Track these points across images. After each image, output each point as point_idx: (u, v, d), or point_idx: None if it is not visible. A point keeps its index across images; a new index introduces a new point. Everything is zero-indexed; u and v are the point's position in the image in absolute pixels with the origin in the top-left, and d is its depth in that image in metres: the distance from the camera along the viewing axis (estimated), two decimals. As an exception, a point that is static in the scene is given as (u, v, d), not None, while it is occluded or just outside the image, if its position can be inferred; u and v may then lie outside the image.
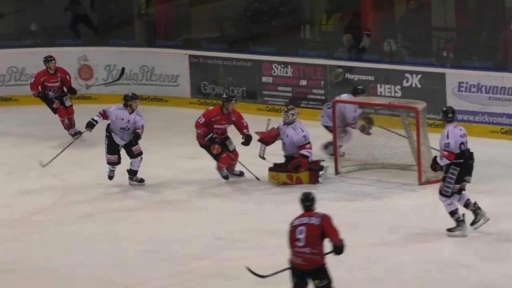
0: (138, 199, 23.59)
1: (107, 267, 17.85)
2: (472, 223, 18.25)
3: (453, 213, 18.67)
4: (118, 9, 37.33)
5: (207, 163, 24.70)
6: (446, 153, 17.60)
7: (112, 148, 22.11)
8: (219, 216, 21.58)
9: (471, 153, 18.80)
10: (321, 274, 11.91)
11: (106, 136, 22.44)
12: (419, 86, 28.05)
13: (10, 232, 21.33)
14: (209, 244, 19.21)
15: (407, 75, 28.19)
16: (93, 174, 25.69)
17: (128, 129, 22.06)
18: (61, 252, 18.94)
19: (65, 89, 26.17)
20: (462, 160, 18.13)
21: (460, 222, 18.51)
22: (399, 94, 27.95)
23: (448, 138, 17.90)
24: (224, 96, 26.90)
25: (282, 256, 13.50)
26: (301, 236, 11.40)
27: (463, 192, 19.10)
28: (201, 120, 23.33)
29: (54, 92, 26.34)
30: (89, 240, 20.25)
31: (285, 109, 24.51)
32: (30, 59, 33.89)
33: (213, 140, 23.26)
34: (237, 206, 22.58)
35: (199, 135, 23.31)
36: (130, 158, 22.68)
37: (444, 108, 20.02)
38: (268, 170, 24.00)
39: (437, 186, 20.51)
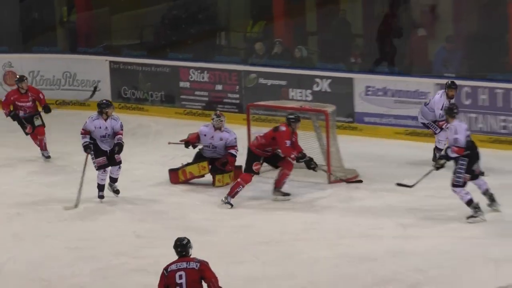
0: (64, 200, 22.31)
1: (33, 264, 17.55)
2: (490, 204, 19.01)
3: (469, 203, 18.99)
4: (41, 17, 35.92)
5: (134, 166, 24.32)
6: (456, 148, 18.27)
7: (98, 153, 21.28)
8: (141, 215, 21.17)
9: (473, 142, 19.31)
10: None
11: (84, 144, 21.66)
12: (329, 90, 27.66)
13: None
14: (131, 242, 18.94)
15: (317, 80, 27.87)
16: (21, 174, 25.15)
17: (108, 135, 21.51)
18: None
19: (39, 109, 25.02)
20: (468, 152, 18.60)
21: (477, 209, 18.84)
22: (310, 98, 27.43)
23: (457, 133, 18.52)
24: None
25: (202, 252, 13.32)
26: (182, 281, 11.02)
27: (480, 179, 19.58)
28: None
29: (25, 112, 24.88)
30: (15, 238, 19.84)
31: (216, 115, 24.07)
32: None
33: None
34: (158, 206, 22.14)
35: None
36: (111, 166, 21.80)
37: (449, 105, 20.97)
38: (212, 174, 23.55)
39: (345, 184, 23.20)
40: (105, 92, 31.47)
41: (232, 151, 23.54)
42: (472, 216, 19.29)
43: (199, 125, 25.68)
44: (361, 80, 27.97)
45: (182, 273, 10.94)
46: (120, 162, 21.64)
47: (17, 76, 25.85)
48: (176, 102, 31.03)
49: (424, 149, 26.22)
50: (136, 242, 19.37)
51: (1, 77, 33.55)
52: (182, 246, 10.99)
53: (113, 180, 21.91)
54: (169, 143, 25.31)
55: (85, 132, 21.36)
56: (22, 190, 23.85)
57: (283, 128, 21.90)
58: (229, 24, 34.34)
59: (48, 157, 25.04)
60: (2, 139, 28.08)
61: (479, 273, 16.59)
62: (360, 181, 23.43)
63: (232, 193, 21.76)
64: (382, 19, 30.14)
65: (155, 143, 27.99)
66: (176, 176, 24.10)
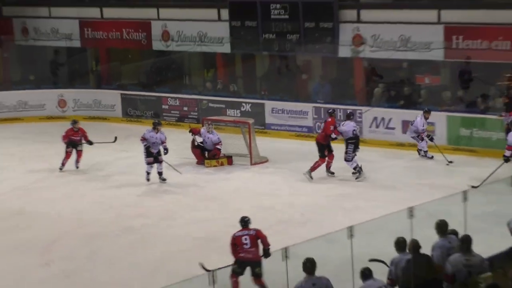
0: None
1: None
2: None
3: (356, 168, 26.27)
4: (80, 67, 41.09)
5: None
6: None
7: (148, 154, 26.45)
8: (183, 193, 26.32)
9: None
10: (259, 264, 15.99)
11: (145, 147, 26.74)
12: (250, 110, 33.75)
13: None
14: (175, 208, 24.62)
15: (243, 104, 34.15)
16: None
17: (157, 143, 26.68)
18: None
19: (83, 141, 28.47)
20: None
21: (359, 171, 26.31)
22: (239, 115, 33.52)
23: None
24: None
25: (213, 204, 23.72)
26: (247, 241, 15.74)
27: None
28: None
29: (75, 143, 28.32)
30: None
31: (208, 124, 30.02)
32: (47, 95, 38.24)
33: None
34: (186, 183, 27.46)
35: None
36: (156, 163, 26.81)
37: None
38: (204, 159, 29.57)
39: (260, 164, 29.55)
40: (118, 112, 37.94)
41: (218, 146, 29.31)
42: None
43: (175, 131, 32.75)
44: (269, 104, 33.86)
45: (246, 236, 15.94)
46: (162, 161, 26.81)
47: (72, 120, 29.44)
48: (160, 117, 34.53)
49: (305, 145, 30.97)
50: (177, 208, 24.35)
51: (57, 103, 38.24)
52: (245, 221, 16.17)
53: (160, 173, 26.85)
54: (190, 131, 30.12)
55: (143, 139, 26.52)
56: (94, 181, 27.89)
57: (329, 119, 27.26)
58: (191, 71, 39.59)
59: (78, 167, 28.55)
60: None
61: (336, 217, 21.78)
62: (267, 161, 29.63)
63: (313, 170, 26.69)
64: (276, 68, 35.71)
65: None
66: (200, 156, 29.80)
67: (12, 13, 40.20)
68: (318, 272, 13.55)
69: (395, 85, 32.41)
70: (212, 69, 37.45)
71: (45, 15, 39.52)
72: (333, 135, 26.76)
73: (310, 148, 29.04)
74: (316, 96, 33.92)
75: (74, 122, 28.93)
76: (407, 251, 14.17)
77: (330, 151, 26.89)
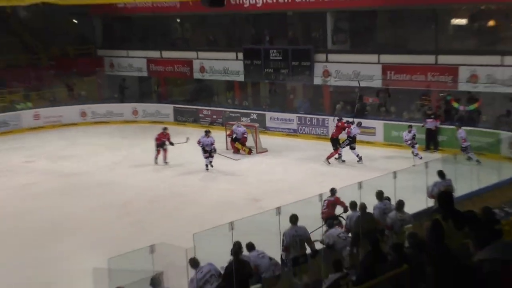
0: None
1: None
2: None
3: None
4: (146, 88, 39.36)
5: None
6: None
7: (204, 151, 24.87)
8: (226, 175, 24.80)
9: None
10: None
11: (201, 147, 25.12)
12: (256, 118, 31.77)
13: None
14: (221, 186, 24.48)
15: (252, 114, 32.40)
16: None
17: (208, 145, 25.07)
18: None
19: (167, 143, 26.11)
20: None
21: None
22: (249, 120, 31.34)
23: None
24: None
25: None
26: (324, 204, 15.64)
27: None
28: None
29: (164, 143, 26.07)
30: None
31: (237, 122, 29.19)
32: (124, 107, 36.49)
33: None
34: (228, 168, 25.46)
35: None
36: (210, 158, 24.98)
37: None
38: (235, 144, 27.68)
39: (263, 154, 27.70)
40: (171, 118, 35.42)
41: (245, 135, 27.76)
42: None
43: (213, 131, 27.43)
44: (268, 114, 31.77)
45: (326, 201, 15.38)
46: (213, 156, 25.18)
47: (164, 127, 27.23)
48: (198, 122, 34.07)
49: (292, 141, 30.01)
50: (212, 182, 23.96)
51: (131, 112, 36.17)
52: (332, 190, 15.61)
53: (210, 162, 24.96)
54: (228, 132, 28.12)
55: (199, 142, 25.04)
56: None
57: (339, 123, 25.69)
58: (218, 92, 37.11)
59: (167, 162, 25.99)
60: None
61: (312, 187, 19.99)
62: (267, 151, 27.89)
63: (330, 158, 25.24)
64: (273, 91, 34.51)
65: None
66: (235, 147, 27.87)
67: (103, 54, 38.89)
68: (299, 223, 13.63)
69: (350, 103, 30.66)
70: (232, 91, 36.16)
71: (124, 55, 38.10)
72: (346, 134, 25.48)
73: (295, 143, 29.28)
74: (299, 109, 32.46)
75: (165, 128, 26.98)
76: (357, 210, 14.28)
77: (338, 145, 25.41)
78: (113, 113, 35.92)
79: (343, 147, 25.45)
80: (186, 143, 25.69)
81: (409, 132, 24.75)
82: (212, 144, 25.48)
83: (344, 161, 25.45)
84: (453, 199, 8.03)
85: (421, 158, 23.49)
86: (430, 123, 26.04)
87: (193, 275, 11.68)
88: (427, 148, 25.78)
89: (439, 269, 4.64)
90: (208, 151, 25.31)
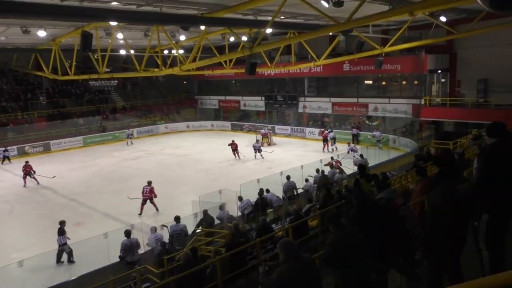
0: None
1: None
2: None
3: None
4: (217, 114, 36.00)
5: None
6: None
7: (255, 150, 21.79)
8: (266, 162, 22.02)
9: None
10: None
11: (254, 148, 22.05)
12: (270, 128, 28.96)
13: None
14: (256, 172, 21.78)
15: (268, 125, 29.46)
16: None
17: (257, 147, 22.26)
18: None
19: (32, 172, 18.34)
20: None
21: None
22: (267, 128, 27.60)
23: None
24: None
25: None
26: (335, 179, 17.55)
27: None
28: None
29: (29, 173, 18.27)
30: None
31: (265, 128, 27.53)
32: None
33: None
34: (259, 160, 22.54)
35: None
36: (259, 152, 21.92)
37: None
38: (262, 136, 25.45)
39: (273, 146, 25.07)
40: (229, 128, 33.19)
41: (267, 133, 25.93)
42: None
43: (248, 135, 28.92)
44: (277, 126, 30.21)
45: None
46: (260, 151, 21.94)
47: (231, 141, 22.52)
48: (243, 130, 31.90)
49: (288, 141, 27.44)
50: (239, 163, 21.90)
51: (210, 126, 34.00)
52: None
53: (260, 154, 21.86)
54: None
55: (253, 146, 22.21)
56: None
57: (324, 131, 23.79)
58: (252, 116, 33.82)
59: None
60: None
61: (296, 163, 19.63)
62: (276, 144, 26.06)
63: (324, 148, 22.82)
64: (280, 115, 31.46)
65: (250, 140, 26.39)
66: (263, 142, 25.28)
67: (198, 98, 37.82)
68: (290, 180, 13.11)
69: (316, 121, 29.71)
70: (258, 115, 33.93)
71: (207, 98, 36.89)
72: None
73: (289, 141, 27.37)
74: (291, 123, 30.92)
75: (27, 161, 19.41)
76: (320, 173, 13.72)
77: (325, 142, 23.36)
78: (201, 126, 34.79)
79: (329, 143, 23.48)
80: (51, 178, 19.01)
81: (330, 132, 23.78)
82: (259, 146, 22.65)
83: (333, 150, 22.83)
84: (365, 168, 7.96)
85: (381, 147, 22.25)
86: (355, 130, 25.50)
87: (239, 204, 11.71)
88: (353, 142, 24.09)
89: (358, 201, 4.36)
90: (257, 150, 22.35)
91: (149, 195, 13.93)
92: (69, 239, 10.58)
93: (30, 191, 17.91)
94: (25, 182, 18.35)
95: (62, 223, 10.70)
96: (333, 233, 3.66)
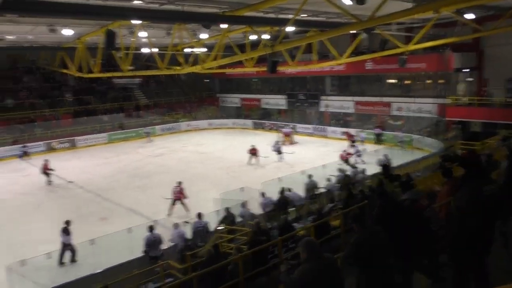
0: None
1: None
2: None
3: None
4: (238, 112, 35.50)
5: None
6: None
7: (278, 151, 21.24)
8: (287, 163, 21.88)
9: None
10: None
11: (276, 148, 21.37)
12: (292, 127, 28.91)
13: None
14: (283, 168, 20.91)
15: (291, 124, 29.42)
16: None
17: (278, 146, 21.79)
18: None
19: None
20: None
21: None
22: (290, 127, 28.19)
23: None
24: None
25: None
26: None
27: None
28: None
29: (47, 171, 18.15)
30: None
31: (288, 127, 27.57)
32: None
33: None
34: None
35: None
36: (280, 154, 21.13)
37: None
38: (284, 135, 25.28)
39: (295, 145, 24.78)
40: (251, 127, 32.71)
41: (290, 132, 25.87)
42: None
43: (270, 134, 28.75)
44: (298, 125, 29.61)
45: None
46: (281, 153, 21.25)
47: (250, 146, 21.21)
48: (264, 128, 31.74)
49: (309, 139, 26.91)
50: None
51: (231, 124, 33.39)
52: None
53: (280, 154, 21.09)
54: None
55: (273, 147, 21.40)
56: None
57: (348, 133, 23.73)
58: (275, 115, 33.37)
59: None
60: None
61: (318, 159, 19.48)
62: (297, 142, 25.83)
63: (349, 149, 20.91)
64: (302, 113, 31.15)
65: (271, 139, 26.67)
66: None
67: (219, 96, 37.92)
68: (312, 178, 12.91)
69: (338, 120, 29.28)
70: (279, 114, 33.63)
71: (229, 97, 36.89)
72: None
73: (311, 139, 27.01)
74: (313, 122, 30.43)
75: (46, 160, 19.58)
76: (342, 173, 13.59)
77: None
78: (223, 124, 34.55)
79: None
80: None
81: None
82: (279, 147, 21.88)
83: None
84: (389, 168, 7.89)
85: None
86: (377, 130, 25.20)
87: (261, 200, 11.68)
88: (376, 143, 24.45)
89: (381, 201, 4.34)
90: (279, 150, 21.55)
91: (178, 195, 13.52)
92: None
93: (57, 186, 18.30)
94: (47, 180, 18.22)
95: (68, 222, 10.41)
96: (356, 232, 3.61)
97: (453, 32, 18.75)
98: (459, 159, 4.32)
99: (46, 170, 18.26)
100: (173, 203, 13.50)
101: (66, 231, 10.17)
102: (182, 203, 13.58)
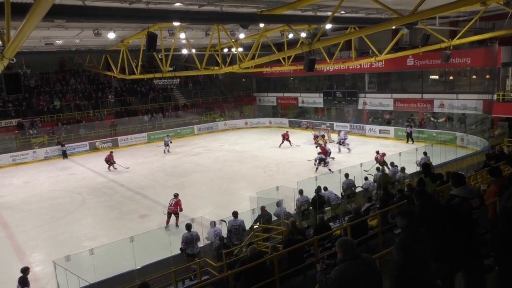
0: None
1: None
2: None
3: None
4: (274, 111, 36.07)
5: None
6: None
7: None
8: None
9: None
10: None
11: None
12: (328, 125, 29.05)
13: None
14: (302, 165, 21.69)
15: (327, 123, 29.53)
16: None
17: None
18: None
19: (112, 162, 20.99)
20: None
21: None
22: (325, 126, 28.63)
23: None
24: None
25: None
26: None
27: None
28: None
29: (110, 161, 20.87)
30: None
31: (320, 128, 27.15)
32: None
33: None
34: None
35: None
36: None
37: None
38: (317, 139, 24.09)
39: (331, 144, 24.10)
40: (287, 125, 32.72)
41: (321, 134, 24.72)
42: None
43: (304, 132, 28.60)
44: (336, 124, 29.56)
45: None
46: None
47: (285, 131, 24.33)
48: (301, 127, 31.70)
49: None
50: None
51: (268, 123, 33.83)
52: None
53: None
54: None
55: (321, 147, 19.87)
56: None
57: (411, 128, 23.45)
58: (311, 114, 33.40)
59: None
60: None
61: (355, 158, 18.89)
62: (333, 141, 24.65)
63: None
64: (340, 112, 31.46)
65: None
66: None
67: (256, 95, 38.25)
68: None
69: (377, 118, 28.80)
70: (316, 112, 33.64)
71: (265, 96, 37.20)
72: None
73: (348, 138, 25.34)
74: (351, 120, 30.17)
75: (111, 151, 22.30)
76: (380, 172, 13.51)
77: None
78: (259, 123, 34.85)
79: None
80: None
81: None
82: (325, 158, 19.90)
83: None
84: (430, 167, 7.66)
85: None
86: (409, 129, 24.57)
87: (299, 197, 11.59)
88: (407, 142, 24.21)
89: (420, 202, 4.20)
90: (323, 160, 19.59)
91: (173, 208, 12.63)
92: None
93: (99, 183, 18.96)
94: (109, 168, 21.03)
95: (25, 271, 8.15)
96: (401, 229, 3.53)
97: (501, 25, 17.98)
98: (506, 157, 4.04)
99: (110, 160, 21.12)
100: (169, 216, 12.80)
101: (23, 283, 8.02)
102: (176, 217, 12.81)
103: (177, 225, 12.61)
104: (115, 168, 21.02)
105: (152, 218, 13.38)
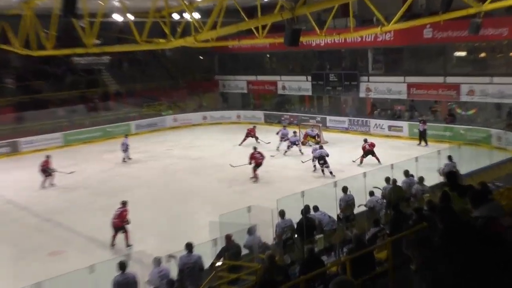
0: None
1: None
2: None
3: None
4: (245, 101, 37.52)
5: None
6: None
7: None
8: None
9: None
10: None
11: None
12: (319, 120, 30.10)
13: None
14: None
15: (317, 117, 30.73)
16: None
17: (295, 141, 24.04)
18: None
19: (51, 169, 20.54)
20: None
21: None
22: (316, 121, 29.36)
23: None
24: None
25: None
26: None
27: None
28: None
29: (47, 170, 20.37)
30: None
31: (312, 125, 27.71)
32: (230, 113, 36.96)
33: None
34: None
35: None
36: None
37: None
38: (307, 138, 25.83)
39: (324, 145, 24.17)
40: (262, 121, 33.62)
41: (312, 133, 25.85)
42: None
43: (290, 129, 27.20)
44: (328, 118, 30.45)
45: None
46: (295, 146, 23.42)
47: (47, 154, 21.40)
48: (281, 123, 31.32)
49: (343, 136, 28.01)
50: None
51: (235, 117, 34.59)
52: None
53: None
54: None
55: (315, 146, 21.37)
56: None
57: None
58: (294, 103, 35.16)
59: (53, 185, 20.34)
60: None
61: (356, 166, 20.04)
62: (327, 142, 25.53)
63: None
64: (333, 101, 33.24)
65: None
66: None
67: (219, 78, 38.65)
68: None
69: (384, 110, 30.06)
70: (301, 102, 34.79)
71: (232, 79, 37.60)
72: None
73: (346, 137, 27.35)
74: (349, 114, 30.94)
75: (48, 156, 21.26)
76: (390, 183, 13.61)
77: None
78: (224, 117, 35.32)
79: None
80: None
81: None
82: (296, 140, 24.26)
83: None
84: (457, 177, 7.79)
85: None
86: (421, 126, 24.87)
87: (279, 222, 11.58)
88: (420, 143, 24.77)
89: (446, 225, 4.24)
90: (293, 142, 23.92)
91: (117, 221, 13.56)
92: None
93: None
94: (45, 181, 20.23)
95: None
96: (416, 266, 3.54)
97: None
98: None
99: (47, 169, 20.37)
100: (115, 232, 13.56)
101: None
102: (124, 233, 13.65)
103: (127, 244, 13.36)
104: (52, 185, 20.29)
105: (68, 255, 13.15)
